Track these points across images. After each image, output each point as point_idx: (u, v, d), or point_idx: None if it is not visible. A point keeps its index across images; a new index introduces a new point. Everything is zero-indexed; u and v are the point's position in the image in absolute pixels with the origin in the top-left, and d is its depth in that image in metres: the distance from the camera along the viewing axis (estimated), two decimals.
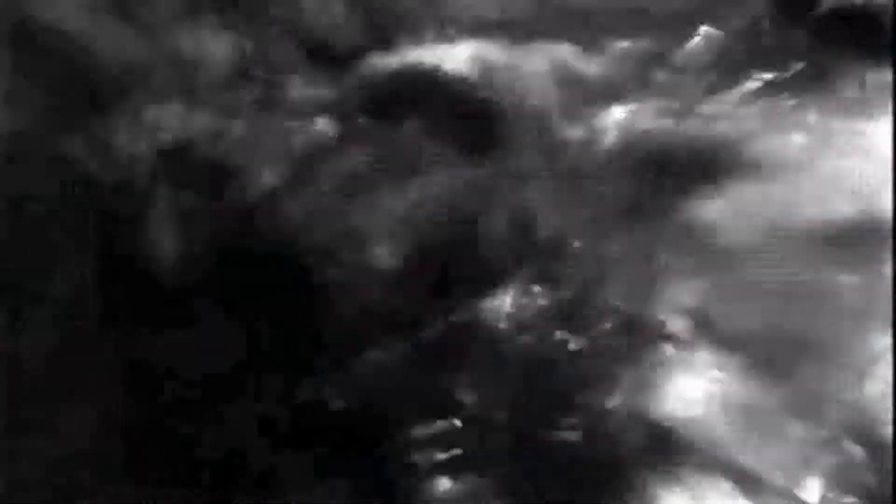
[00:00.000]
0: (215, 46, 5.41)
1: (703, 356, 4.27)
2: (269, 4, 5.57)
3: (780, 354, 4.21)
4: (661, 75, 5.60)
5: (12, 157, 4.88)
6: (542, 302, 4.74)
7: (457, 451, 4.15)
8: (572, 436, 4.19)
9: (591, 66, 5.66)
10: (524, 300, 4.78)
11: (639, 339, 4.43)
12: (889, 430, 3.90)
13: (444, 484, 4.04)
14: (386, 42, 5.77)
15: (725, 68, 5.53)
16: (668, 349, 4.39)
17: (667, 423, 4.21)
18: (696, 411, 4.21)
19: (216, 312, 4.74)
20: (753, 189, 5.05)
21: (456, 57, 5.57)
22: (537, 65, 5.63)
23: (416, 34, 5.71)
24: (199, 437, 4.24)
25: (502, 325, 4.65)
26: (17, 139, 4.91)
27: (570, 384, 4.40)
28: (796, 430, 3.99)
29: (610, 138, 5.56)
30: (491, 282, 4.86)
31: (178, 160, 5.20)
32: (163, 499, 3.99)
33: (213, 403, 4.38)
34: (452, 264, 4.95)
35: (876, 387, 4.05)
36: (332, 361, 4.53)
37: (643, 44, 5.62)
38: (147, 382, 4.46)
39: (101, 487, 4.05)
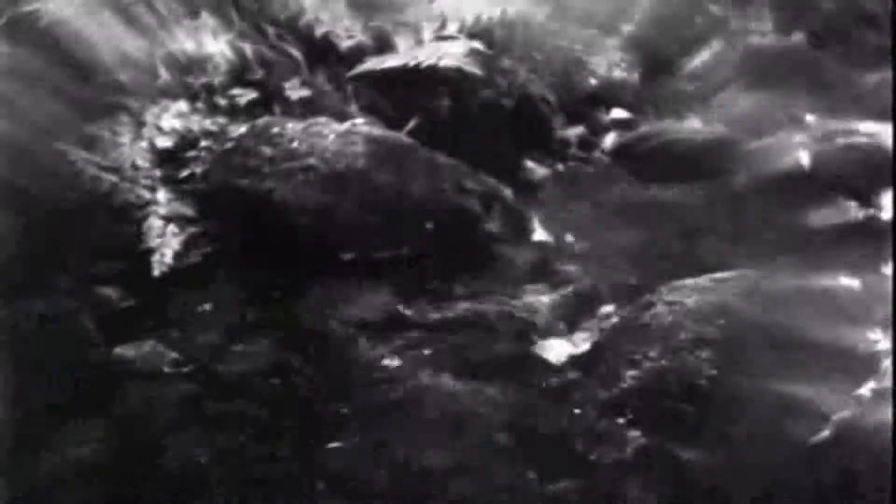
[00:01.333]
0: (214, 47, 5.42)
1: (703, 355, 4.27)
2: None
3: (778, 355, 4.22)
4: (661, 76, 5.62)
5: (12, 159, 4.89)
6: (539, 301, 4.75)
7: None
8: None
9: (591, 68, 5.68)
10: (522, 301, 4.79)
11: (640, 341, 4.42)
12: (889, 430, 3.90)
13: None
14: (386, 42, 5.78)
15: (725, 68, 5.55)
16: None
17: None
18: None
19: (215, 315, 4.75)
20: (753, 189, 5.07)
21: (456, 57, 5.58)
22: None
23: (416, 34, 5.72)
24: None
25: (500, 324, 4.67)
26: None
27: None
28: (796, 430, 3.99)
29: (611, 139, 5.57)
30: (489, 280, 4.87)
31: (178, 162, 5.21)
32: None
33: None
34: (452, 262, 4.96)
35: (876, 387, 4.04)
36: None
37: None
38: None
39: None
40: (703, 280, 4.58)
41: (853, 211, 4.88)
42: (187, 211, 5.01)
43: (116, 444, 4.19)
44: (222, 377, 4.45)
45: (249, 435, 4.22)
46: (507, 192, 5.25)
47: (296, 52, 5.65)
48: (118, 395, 4.38)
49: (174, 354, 4.52)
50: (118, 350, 4.53)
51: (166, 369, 4.48)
